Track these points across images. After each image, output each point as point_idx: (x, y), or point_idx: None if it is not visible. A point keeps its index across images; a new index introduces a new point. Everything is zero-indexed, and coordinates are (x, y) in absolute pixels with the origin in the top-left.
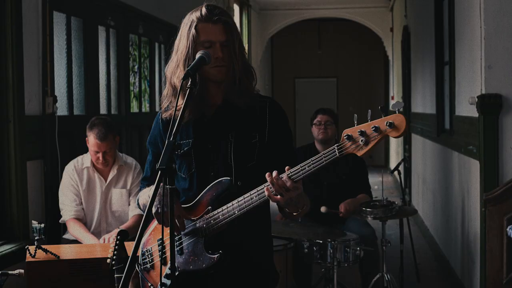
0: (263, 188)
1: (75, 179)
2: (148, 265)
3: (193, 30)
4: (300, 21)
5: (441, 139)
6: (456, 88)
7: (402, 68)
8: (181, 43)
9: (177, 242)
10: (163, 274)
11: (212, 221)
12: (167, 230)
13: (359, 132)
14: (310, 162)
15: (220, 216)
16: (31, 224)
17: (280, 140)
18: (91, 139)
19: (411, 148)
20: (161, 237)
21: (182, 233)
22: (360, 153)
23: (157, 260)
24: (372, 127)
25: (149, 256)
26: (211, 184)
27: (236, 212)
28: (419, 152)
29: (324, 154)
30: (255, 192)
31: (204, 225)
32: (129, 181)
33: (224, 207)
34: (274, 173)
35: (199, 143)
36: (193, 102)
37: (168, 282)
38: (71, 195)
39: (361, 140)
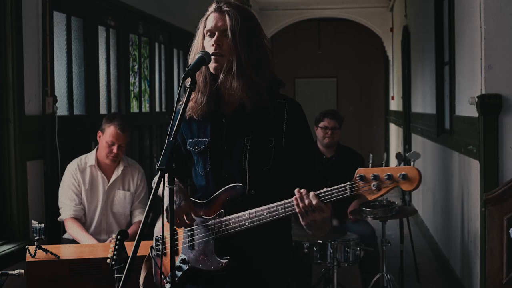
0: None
1: (77, 178)
2: (160, 252)
3: (203, 23)
4: (300, 21)
5: (441, 139)
6: (456, 88)
7: (402, 68)
8: (196, 36)
9: (190, 237)
10: (175, 264)
11: (223, 226)
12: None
13: (372, 176)
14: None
15: (231, 224)
16: (31, 224)
17: (297, 144)
18: (111, 130)
19: (411, 148)
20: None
21: (194, 228)
22: (370, 197)
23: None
24: (385, 175)
25: (162, 244)
26: (227, 187)
27: (246, 224)
28: (419, 152)
29: (336, 189)
30: (266, 209)
31: (216, 228)
32: (133, 185)
33: (236, 215)
34: (303, 190)
35: (215, 143)
36: (210, 101)
37: (178, 274)
38: (71, 194)
39: (373, 185)
